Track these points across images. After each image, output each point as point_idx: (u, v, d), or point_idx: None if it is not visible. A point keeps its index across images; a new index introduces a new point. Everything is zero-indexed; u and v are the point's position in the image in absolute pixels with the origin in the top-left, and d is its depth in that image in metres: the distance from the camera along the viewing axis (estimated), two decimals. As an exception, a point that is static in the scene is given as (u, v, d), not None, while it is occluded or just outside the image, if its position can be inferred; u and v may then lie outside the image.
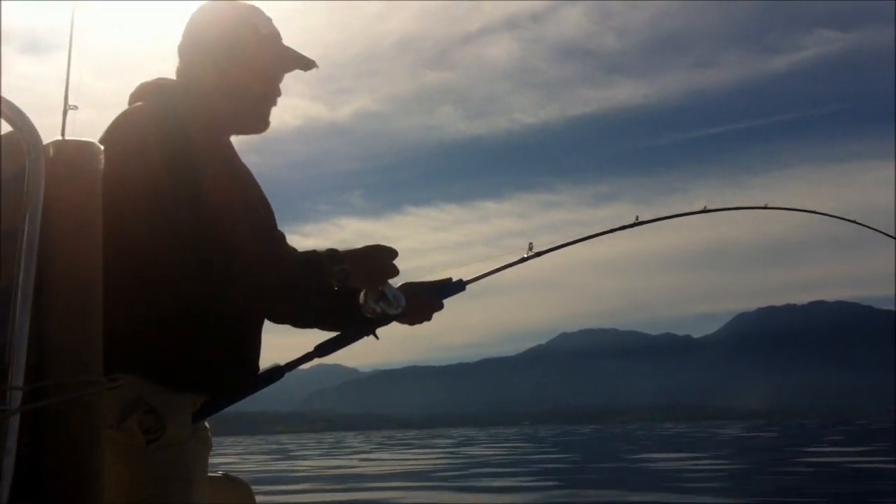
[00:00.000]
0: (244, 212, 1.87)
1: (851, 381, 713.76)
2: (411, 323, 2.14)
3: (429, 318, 2.15)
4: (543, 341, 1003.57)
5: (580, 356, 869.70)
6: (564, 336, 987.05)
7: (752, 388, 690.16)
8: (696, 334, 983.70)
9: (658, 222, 2.50)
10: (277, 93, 2.00)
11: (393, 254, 1.96)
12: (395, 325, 2.07)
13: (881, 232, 2.90)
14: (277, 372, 2.03)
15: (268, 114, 2.00)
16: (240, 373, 1.94)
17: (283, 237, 2.07)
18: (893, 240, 2.84)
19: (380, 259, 1.95)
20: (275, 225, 2.04)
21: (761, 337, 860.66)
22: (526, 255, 2.27)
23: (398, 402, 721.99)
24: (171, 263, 1.77)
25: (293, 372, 2.01)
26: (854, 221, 2.93)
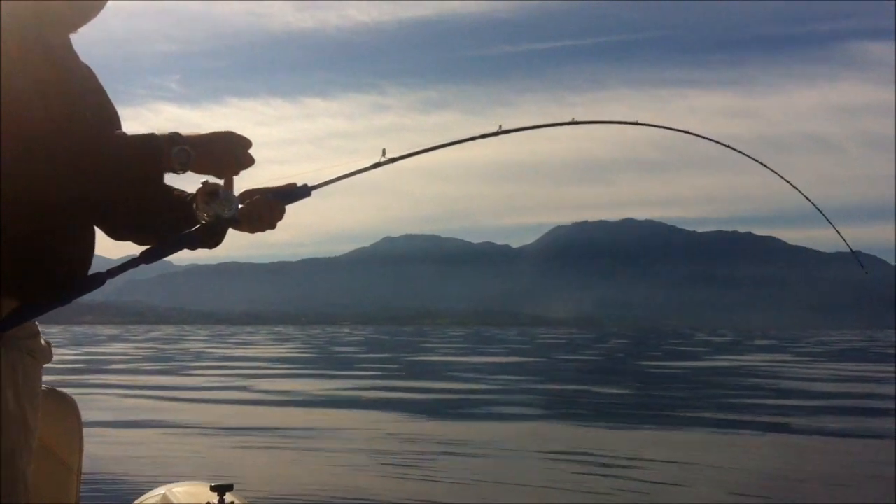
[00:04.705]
0: (66, 112, 1.65)
1: (652, 295, 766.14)
2: (252, 230, 1.93)
3: (272, 227, 1.94)
4: (367, 244, 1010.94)
5: (402, 260, 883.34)
6: (388, 240, 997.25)
7: (563, 299, 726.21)
8: (515, 244, 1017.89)
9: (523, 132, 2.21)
10: None
11: (246, 143, 1.82)
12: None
13: (755, 160, 2.61)
14: (97, 279, 1.81)
15: None
16: (54, 276, 1.72)
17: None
18: (765, 167, 2.60)
19: (231, 145, 1.80)
20: (117, 128, 1.80)
21: (575, 250, 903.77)
22: (380, 161, 2.04)
23: (215, 297, 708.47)
24: None
25: (103, 261, 1.81)
26: (729, 146, 2.59)
